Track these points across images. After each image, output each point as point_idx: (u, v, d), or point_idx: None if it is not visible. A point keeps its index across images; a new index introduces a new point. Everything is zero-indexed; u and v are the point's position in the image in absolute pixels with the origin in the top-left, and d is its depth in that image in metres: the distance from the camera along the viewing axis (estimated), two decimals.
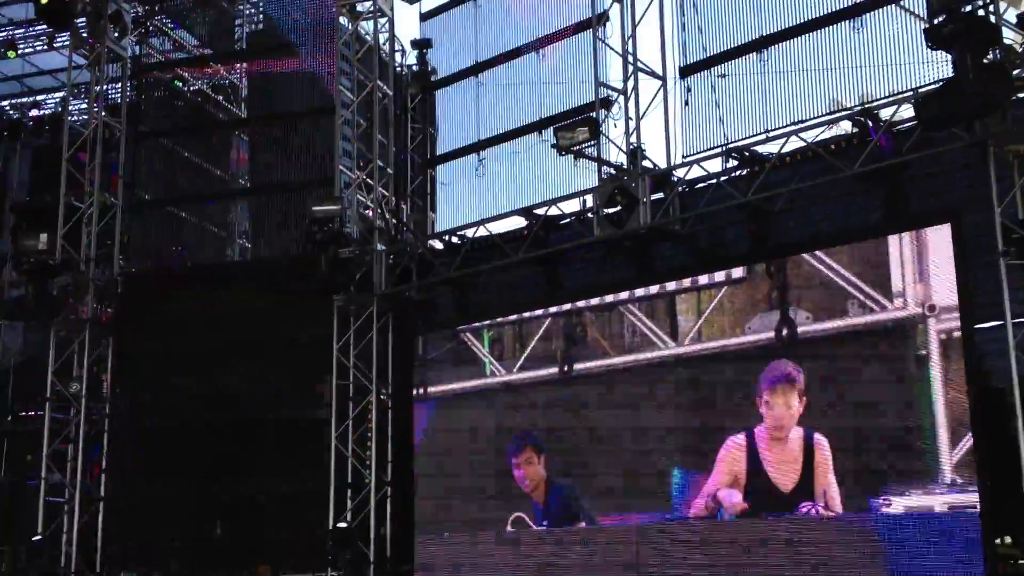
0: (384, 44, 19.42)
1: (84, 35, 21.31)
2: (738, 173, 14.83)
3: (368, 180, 18.80)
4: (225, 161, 22.76)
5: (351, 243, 17.96)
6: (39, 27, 24.01)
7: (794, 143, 14.34)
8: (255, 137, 22.23)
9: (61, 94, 23.46)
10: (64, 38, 22.35)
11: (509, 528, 16.22)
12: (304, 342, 18.79)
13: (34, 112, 26.32)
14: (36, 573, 18.79)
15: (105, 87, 21.47)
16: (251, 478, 18.72)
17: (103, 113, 21.09)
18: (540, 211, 16.80)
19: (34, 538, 18.98)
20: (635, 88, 15.78)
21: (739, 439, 13.87)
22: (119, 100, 21.70)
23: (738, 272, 14.44)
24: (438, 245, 18.53)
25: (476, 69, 19.15)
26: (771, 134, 14.70)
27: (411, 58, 20.62)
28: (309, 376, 18.64)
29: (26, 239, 19.66)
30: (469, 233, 17.83)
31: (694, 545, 14.04)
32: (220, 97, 22.58)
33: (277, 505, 18.49)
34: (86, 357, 19.81)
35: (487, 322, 17.29)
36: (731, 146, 14.98)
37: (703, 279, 14.83)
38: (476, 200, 18.58)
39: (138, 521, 19.13)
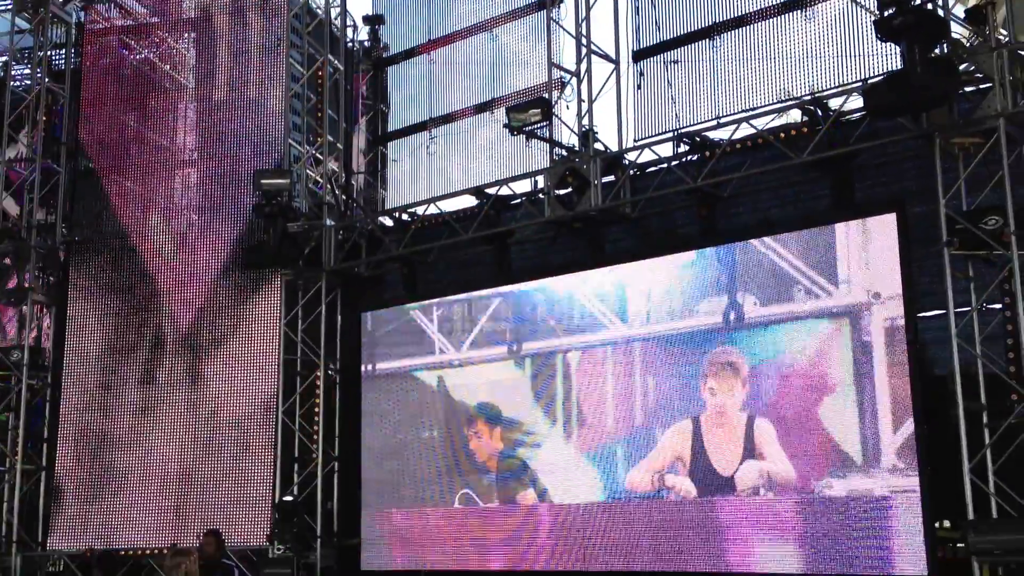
0: (336, 18, 19.37)
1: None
2: (689, 158, 15.03)
3: (318, 155, 18.77)
4: (172, 131, 22.45)
5: (300, 217, 17.96)
6: None
7: (745, 130, 14.57)
8: (202, 108, 21.95)
9: (3, 59, 23.02)
10: (7, 2, 21.92)
11: (456, 504, 16.38)
12: (251, 316, 18.75)
13: None
14: None
15: (49, 53, 21.15)
16: (198, 449, 18.65)
17: (47, 79, 20.81)
18: (491, 190, 16.90)
19: None
20: (588, 71, 15.94)
21: (685, 424, 14.10)
22: (63, 66, 21.39)
23: (687, 256, 14.61)
24: (388, 222, 18.52)
25: (428, 47, 19.09)
26: (722, 120, 14.90)
27: (363, 34, 20.64)
28: (256, 350, 18.60)
29: None
30: (419, 211, 17.90)
31: (640, 522, 14.30)
32: (167, 66, 22.29)
33: (225, 477, 18.45)
34: (28, 325, 19.63)
35: (436, 300, 17.33)
36: (682, 131, 15.14)
37: (653, 262, 14.98)
38: (427, 178, 18.61)
39: (82, 492, 18.98)
